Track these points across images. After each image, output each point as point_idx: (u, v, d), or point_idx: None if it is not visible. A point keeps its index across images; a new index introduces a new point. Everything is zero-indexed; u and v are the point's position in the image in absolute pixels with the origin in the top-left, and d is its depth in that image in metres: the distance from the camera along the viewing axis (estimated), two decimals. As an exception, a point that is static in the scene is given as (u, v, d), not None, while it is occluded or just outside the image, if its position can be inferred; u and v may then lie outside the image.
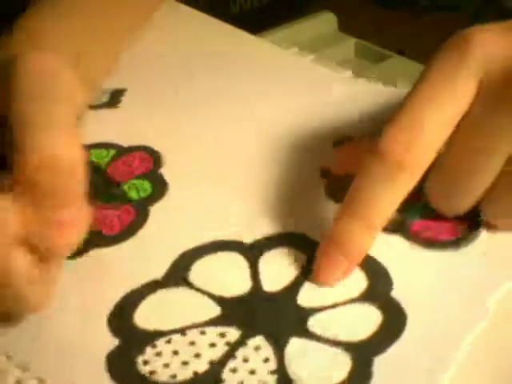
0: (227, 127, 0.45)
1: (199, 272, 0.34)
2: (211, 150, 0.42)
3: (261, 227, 0.36)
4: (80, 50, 0.42)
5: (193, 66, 0.52)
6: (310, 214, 0.36)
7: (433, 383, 0.28)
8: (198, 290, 0.33)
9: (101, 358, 0.30)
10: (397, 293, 0.32)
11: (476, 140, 0.32)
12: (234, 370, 0.29)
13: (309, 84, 0.48)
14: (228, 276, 0.33)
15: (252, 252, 0.34)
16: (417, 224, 0.35)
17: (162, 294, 0.33)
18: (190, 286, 0.33)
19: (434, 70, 0.32)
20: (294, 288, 0.32)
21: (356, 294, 0.32)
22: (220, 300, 0.32)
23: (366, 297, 0.32)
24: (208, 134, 0.44)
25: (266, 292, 0.32)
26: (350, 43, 0.89)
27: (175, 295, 0.33)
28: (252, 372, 0.29)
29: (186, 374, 0.29)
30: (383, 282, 0.32)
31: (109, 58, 0.46)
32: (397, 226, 0.35)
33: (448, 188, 0.33)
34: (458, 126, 0.32)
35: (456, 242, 0.34)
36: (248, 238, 0.35)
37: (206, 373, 0.29)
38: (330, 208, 0.37)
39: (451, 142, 0.32)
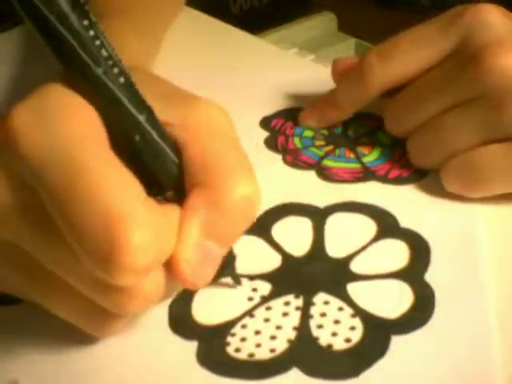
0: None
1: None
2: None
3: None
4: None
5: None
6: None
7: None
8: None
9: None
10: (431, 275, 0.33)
11: (431, 81, 0.38)
12: (320, 326, 0.31)
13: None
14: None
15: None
16: (381, 168, 0.40)
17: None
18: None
19: (427, 24, 0.39)
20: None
21: (397, 268, 0.34)
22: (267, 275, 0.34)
23: (404, 274, 0.33)
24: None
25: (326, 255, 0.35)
26: (349, 43, 0.89)
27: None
28: (337, 321, 0.31)
29: (282, 345, 0.30)
30: (423, 260, 0.34)
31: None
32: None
33: (396, 110, 0.40)
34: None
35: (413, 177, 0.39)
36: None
37: (299, 337, 0.31)
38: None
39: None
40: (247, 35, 0.57)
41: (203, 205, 0.27)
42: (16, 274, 0.29)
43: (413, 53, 0.39)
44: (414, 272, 0.33)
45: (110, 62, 0.26)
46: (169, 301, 0.33)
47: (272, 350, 0.30)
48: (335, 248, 0.35)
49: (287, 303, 0.32)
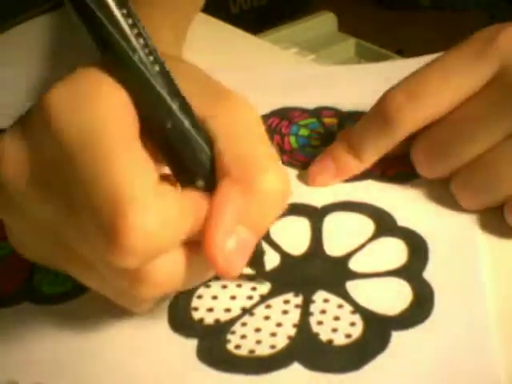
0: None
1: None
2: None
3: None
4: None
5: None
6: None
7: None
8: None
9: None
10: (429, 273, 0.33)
11: (473, 113, 0.35)
12: (320, 323, 0.31)
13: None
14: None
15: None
16: (377, 166, 0.39)
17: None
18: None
19: (456, 51, 0.35)
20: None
21: (395, 266, 0.34)
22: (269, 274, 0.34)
23: (403, 271, 0.34)
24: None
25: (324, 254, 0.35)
26: (350, 43, 0.89)
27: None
28: (336, 318, 0.32)
29: (282, 341, 0.31)
30: (421, 257, 0.34)
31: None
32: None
33: (434, 151, 0.36)
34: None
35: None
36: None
37: (299, 333, 0.31)
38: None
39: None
40: (247, 35, 0.57)
41: (236, 193, 0.27)
42: (55, 251, 0.30)
43: (445, 87, 0.35)
44: (413, 270, 0.33)
45: (146, 50, 0.27)
46: (169, 299, 0.33)
47: (272, 346, 0.30)
48: (333, 247, 0.35)
49: (287, 301, 0.33)
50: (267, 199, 0.28)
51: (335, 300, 0.32)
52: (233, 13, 1.04)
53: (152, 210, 0.26)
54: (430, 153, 0.37)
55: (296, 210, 0.38)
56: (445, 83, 0.35)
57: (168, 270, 0.28)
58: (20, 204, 0.28)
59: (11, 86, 0.51)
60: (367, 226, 0.36)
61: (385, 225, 0.36)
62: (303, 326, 0.31)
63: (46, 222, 0.28)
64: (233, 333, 0.31)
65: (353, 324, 0.31)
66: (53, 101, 0.27)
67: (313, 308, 0.32)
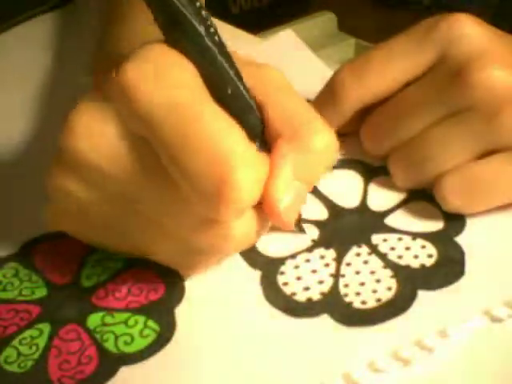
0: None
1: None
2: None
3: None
4: None
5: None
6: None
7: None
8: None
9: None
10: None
11: (413, 96, 0.37)
12: (357, 273, 0.34)
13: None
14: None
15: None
16: None
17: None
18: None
19: (401, 37, 0.37)
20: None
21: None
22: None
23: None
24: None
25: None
26: (350, 43, 0.90)
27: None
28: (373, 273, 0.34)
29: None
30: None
31: None
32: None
33: (376, 129, 0.38)
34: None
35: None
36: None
37: (332, 287, 0.33)
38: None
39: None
40: (247, 35, 0.57)
41: (292, 152, 0.30)
42: (121, 222, 0.31)
43: (388, 68, 0.37)
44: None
45: (208, 23, 0.29)
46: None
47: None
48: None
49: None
50: (319, 155, 0.30)
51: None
52: (233, 13, 1.04)
53: (252, 164, 0.28)
54: (373, 131, 0.39)
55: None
56: (387, 65, 0.37)
57: (247, 226, 0.30)
58: (95, 178, 0.30)
59: (12, 87, 0.51)
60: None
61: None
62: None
63: (122, 194, 0.30)
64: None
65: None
66: (131, 74, 0.28)
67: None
